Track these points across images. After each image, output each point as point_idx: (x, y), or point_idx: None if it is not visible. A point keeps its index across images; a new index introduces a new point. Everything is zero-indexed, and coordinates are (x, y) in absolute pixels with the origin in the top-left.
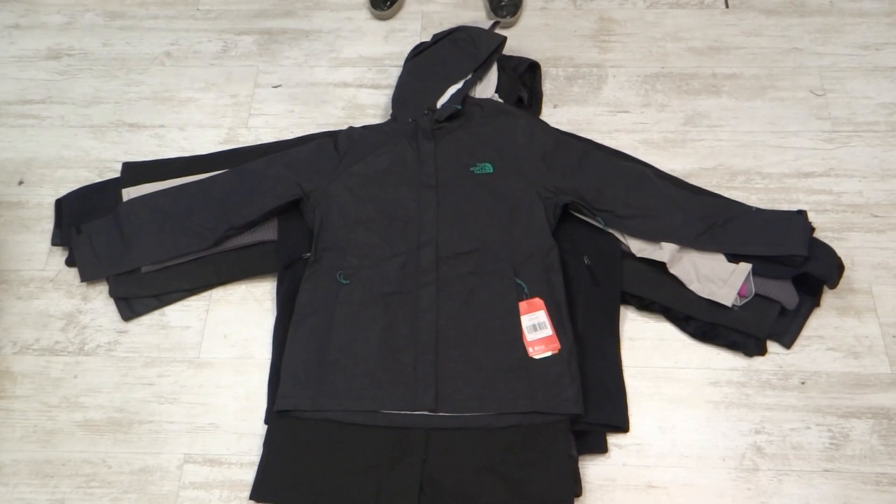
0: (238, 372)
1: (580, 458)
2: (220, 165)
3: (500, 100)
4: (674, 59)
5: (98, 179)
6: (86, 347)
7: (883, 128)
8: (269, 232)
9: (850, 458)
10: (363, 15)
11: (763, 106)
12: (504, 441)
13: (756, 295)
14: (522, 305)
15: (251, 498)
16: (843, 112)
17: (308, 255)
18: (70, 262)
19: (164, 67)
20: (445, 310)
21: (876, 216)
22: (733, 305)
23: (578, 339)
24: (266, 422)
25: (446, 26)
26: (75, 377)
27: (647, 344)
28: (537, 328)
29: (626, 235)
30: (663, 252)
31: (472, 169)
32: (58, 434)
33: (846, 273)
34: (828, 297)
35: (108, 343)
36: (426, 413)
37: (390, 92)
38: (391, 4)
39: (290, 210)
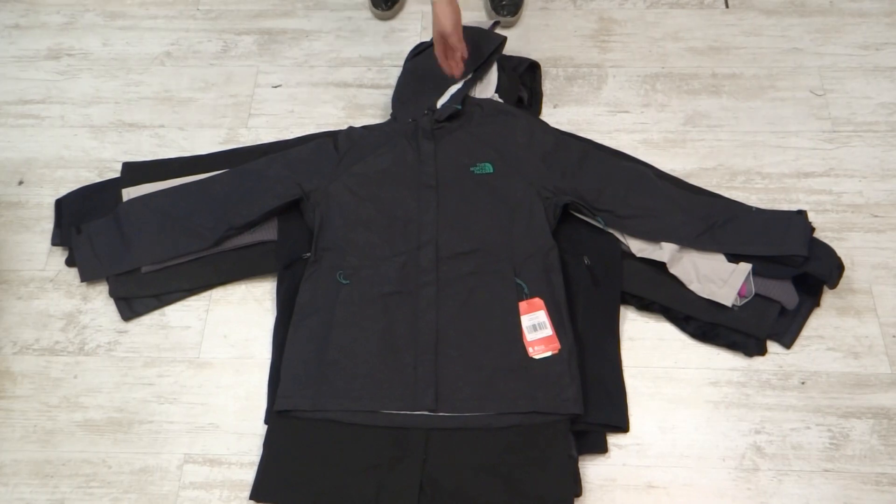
0: (238, 372)
1: (580, 458)
2: (220, 165)
3: (500, 100)
4: (674, 59)
5: (98, 179)
6: (86, 347)
7: (883, 128)
8: (269, 232)
9: (850, 458)
10: (363, 15)
11: (763, 106)
12: (504, 441)
13: (756, 295)
14: (522, 305)
15: (251, 498)
16: (843, 112)
17: (308, 255)
18: (70, 262)
19: (164, 67)
20: (445, 310)
21: (876, 216)
22: (733, 305)
23: (578, 339)
24: (266, 422)
25: None
26: (75, 377)
27: (647, 344)
28: (537, 328)
29: (626, 235)
30: (663, 252)
31: (472, 169)
32: (58, 434)
33: (846, 273)
34: (828, 297)
35: (108, 343)
36: (426, 413)
37: (390, 92)
38: (391, 4)
39: (290, 210)
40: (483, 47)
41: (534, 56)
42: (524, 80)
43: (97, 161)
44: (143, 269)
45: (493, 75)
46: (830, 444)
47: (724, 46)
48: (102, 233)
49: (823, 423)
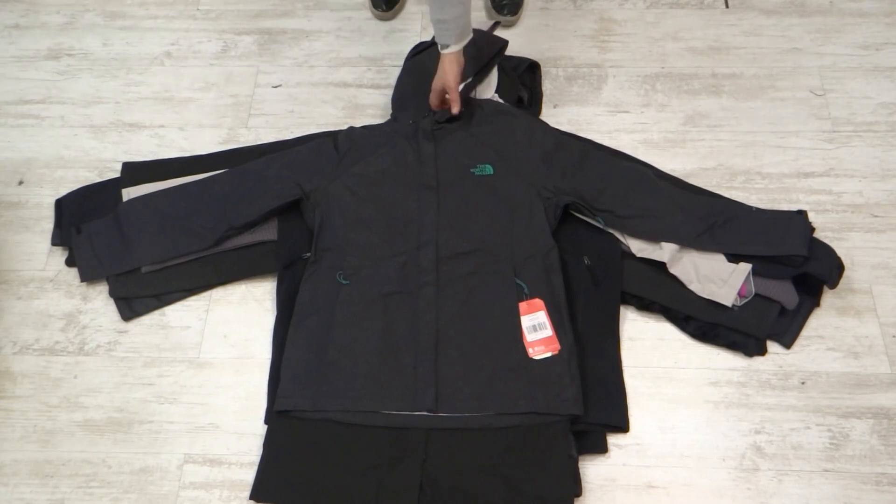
0: (238, 372)
1: (580, 458)
2: (220, 165)
3: (501, 100)
4: (674, 59)
5: (98, 179)
6: (86, 347)
7: (883, 128)
8: (269, 232)
9: (850, 458)
10: (363, 15)
11: (763, 106)
12: (504, 441)
13: (756, 295)
14: (522, 306)
15: (251, 498)
16: (843, 112)
17: (308, 254)
18: (70, 262)
19: (164, 67)
20: (445, 310)
21: (876, 216)
22: (733, 305)
23: (578, 339)
24: (266, 422)
25: None
26: (75, 377)
27: (647, 344)
28: (537, 329)
29: (626, 235)
30: (663, 252)
31: (472, 170)
32: (58, 434)
33: (846, 273)
34: (828, 297)
35: (108, 343)
36: (426, 414)
37: (390, 92)
38: (391, 5)
39: (290, 210)
40: (484, 50)
41: (534, 56)
42: (524, 80)
43: (97, 161)
44: (143, 270)
45: (493, 76)
46: (830, 444)
47: (724, 46)
48: (102, 233)
49: (823, 423)
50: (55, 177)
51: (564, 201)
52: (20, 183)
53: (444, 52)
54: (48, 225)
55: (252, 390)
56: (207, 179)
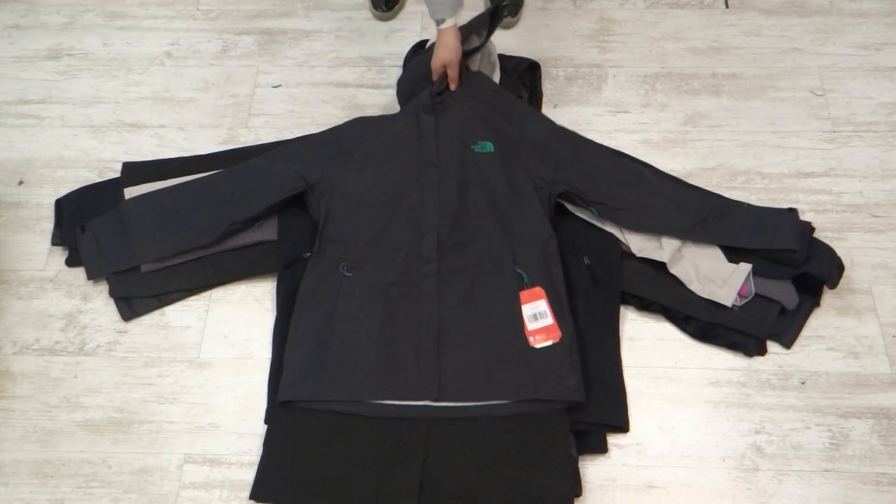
0: (238, 372)
1: (580, 458)
2: (220, 165)
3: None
4: (674, 59)
5: (98, 179)
6: (86, 347)
7: (883, 128)
8: (269, 232)
9: (850, 458)
10: (363, 15)
11: (763, 106)
12: (504, 441)
13: (756, 295)
14: (523, 295)
15: (251, 498)
16: (843, 112)
17: (308, 254)
18: (70, 262)
19: (164, 67)
20: (447, 300)
21: (876, 216)
22: (733, 305)
23: (579, 339)
24: (266, 422)
25: None
26: (75, 377)
27: (647, 344)
28: (538, 317)
29: (625, 235)
30: (663, 252)
31: (473, 147)
32: (58, 434)
33: (846, 273)
34: (828, 297)
35: (108, 343)
36: (428, 404)
37: (390, 92)
38: (391, 5)
39: (291, 209)
40: (475, 21)
41: (534, 56)
42: (524, 80)
43: (97, 161)
44: (143, 269)
45: (496, 73)
46: (830, 444)
47: (724, 46)
48: (106, 230)
49: (823, 423)
50: (55, 177)
51: (558, 190)
52: (20, 183)
53: (440, 27)
54: (48, 225)
55: (252, 390)
56: (210, 176)
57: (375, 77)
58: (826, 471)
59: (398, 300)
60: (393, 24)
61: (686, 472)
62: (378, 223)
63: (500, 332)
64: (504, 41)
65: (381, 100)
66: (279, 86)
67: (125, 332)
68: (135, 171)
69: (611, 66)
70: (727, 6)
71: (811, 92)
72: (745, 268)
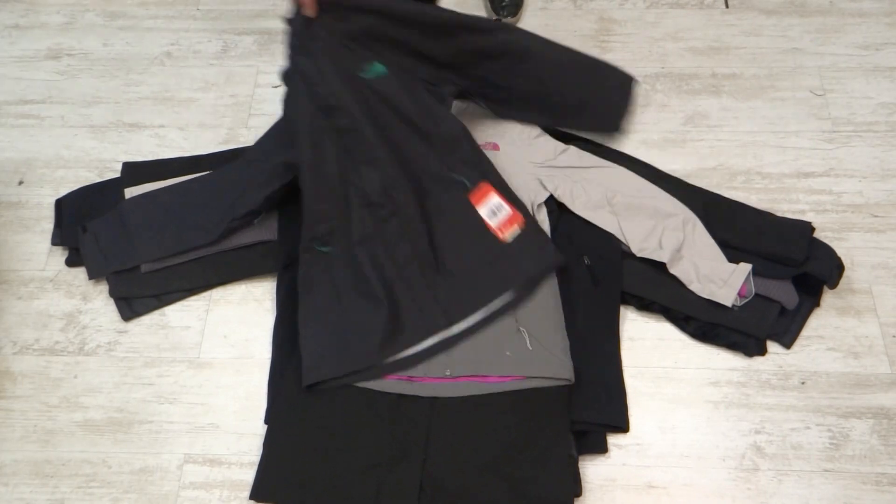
0: (238, 372)
1: (580, 458)
2: (220, 165)
3: None
4: (674, 59)
5: (98, 179)
6: (86, 347)
7: (883, 128)
8: (269, 232)
9: (850, 458)
10: None
11: (763, 106)
12: (505, 440)
13: (756, 295)
14: (473, 197)
15: (251, 498)
16: (843, 112)
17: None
18: (70, 262)
19: (164, 67)
20: (413, 234)
21: (876, 216)
22: (733, 305)
23: (579, 339)
24: (266, 422)
25: None
26: (75, 377)
27: (647, 344)
28: (496, 212)
29: (625, 234)
30: (663, 252)
31: (361, 74)
32: (58, 434)
33: (846, 273)
34: (828, 297)
35: (108, 343)
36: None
37: None
38: None
39: (291, 208)
40: None
41: None
42: None
43: (97, 161)
44: (143, 269)
45: None
46: (830, 444)
47: (724, 46)
48: (106, 230)
49: (823, 423)
50: (55, 177)
51: (448, 89)
52: (20, 183)
53: None
54: (48, 225)
55: (252, 390)
56: (209, 174)
57: None
58: (826, 471)
59: (373, 252)
60: None
61: (686, 472)
62: (322, 186)
63: (470, 241)
64: None
65: None
66: (279, 86)
67: (125, 332)
68: (135, 171)
69: None
70: (727, 6)
71: (811, 92)
72: (745, 268)
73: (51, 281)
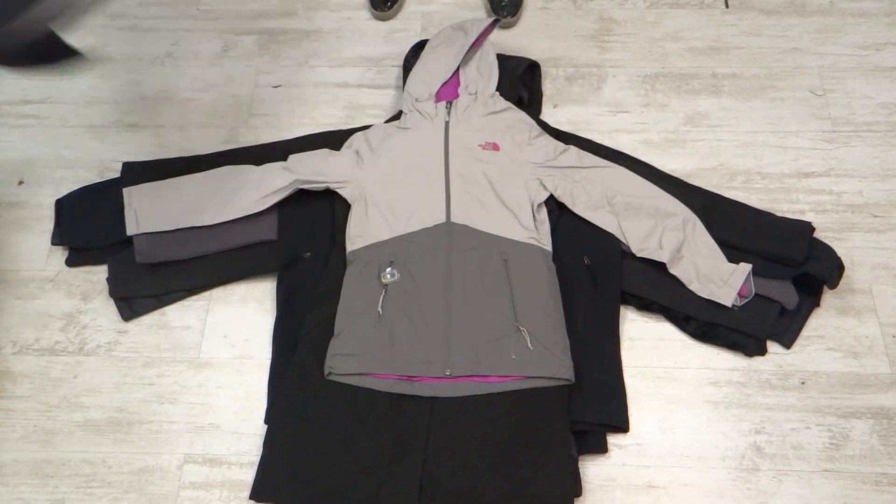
0: (238, 372)
1: (580, 458)
2: (220, 165)
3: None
4: (674, 59)
5: (98, 179)
6: (86, 347)
7: (883, 128)
8: (269, 231)
9: (850, 458)
10: (363, 15)
11: (763, 106)
12: (504, 440)
13: (756, 295)
14: None
15: (251, 498)
16: (843, 112)
17: (308, 254)
18: (70, 262)
19: (165, 67)
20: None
21: (876, 216)
22: (733, 305)
23: (579, 339)
24: (266, 422)
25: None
26: (75, 377)
27: (647, 344)
28: None
29: (625, 234)
30: (663, 252)
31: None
32: (58, 434)
33: (846, 273)
34: (828, 297)
35: (108, 343)
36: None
37: (390, 92)
38: (391, 5)
39: (290, 208)
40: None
41: (534, 56)
42: (524, 80)
43: (97, 161)
44: (138, 261)
45: (493, 72)
46: (830, 444)
47: (724, 46)
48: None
49: (823, 423)
50: (55, 177)
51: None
52: (20, 183)
53: None
54: (48, 225)
55: (252, 390)
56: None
57: (375, 77)
58: (826, 471)
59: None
60: (393, 24)
61: (686, 472)
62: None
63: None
64: (504, 41)
65: (382, 100)
66: (279, 86)
67: (125, 332)
68: (135, 171)
69: (611, 66)
70: (727, 6)
71: (811, 92)
72: (745, 268)
73: (51, 281)
